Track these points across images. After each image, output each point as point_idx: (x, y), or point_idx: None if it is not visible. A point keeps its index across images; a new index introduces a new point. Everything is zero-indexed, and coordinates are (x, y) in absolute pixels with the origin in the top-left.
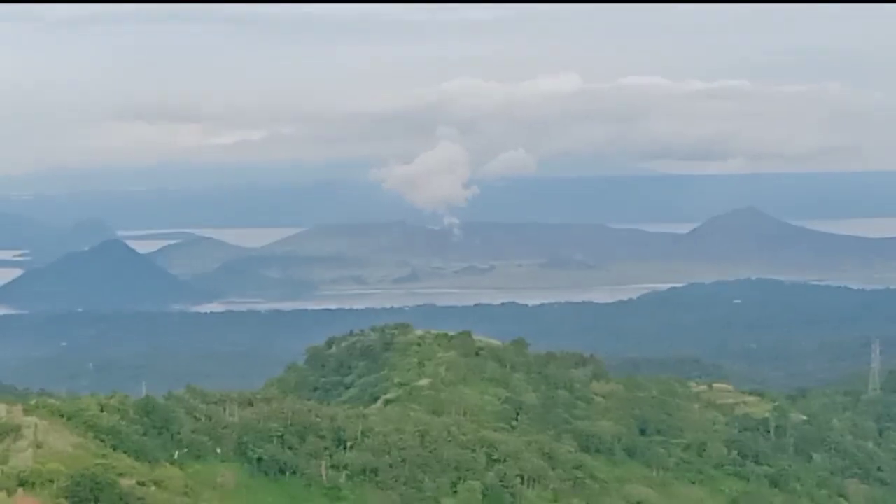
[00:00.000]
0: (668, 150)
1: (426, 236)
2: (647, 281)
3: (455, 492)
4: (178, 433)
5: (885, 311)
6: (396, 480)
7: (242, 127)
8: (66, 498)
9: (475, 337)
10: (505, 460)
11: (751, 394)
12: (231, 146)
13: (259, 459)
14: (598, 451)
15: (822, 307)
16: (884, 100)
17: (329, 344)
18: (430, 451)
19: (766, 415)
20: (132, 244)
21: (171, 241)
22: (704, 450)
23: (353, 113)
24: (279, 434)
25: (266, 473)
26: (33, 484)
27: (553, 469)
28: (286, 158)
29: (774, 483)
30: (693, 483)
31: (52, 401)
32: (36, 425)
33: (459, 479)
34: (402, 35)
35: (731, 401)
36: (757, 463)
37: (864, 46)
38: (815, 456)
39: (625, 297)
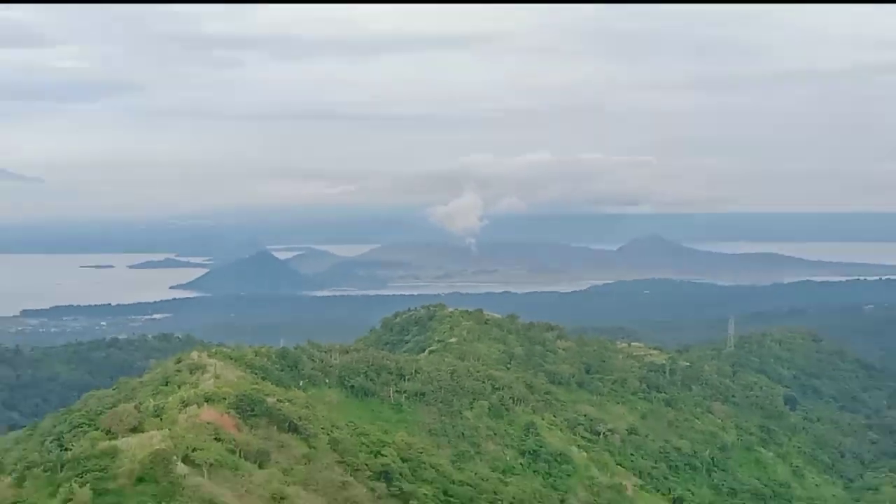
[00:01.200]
0: (606, 198)
1: (456, 251)
2: (592, 280)
3: (472, 408)
4: (302, 370)
5: (739, 299)
6: (436, 400)
7: (345, 182)
8: (235, 409)
9: (485, 313)
10: (502, 388)
11: (655, 349)
12: (338, 193)
13: (352, 386)
14: (559, 383)
15: (701, 297)
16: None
17: (395, 316)
18: (456, 382)
19: (664, 362)
20: (276, 254)
21: (299, 252)
22: (625, 383)
23: (414, 173)
24: (364, 371)
25: (356, 396)
26: (213, 400)
27: (532, 394)
28: (372, 201)
29: (669, 404)
30: (618, 403)
31: (225, 350)
32: (215, 365)
33: (475, 399)
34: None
35: (642, 353)
36: (658, 391)
37: None
38: (693, 387)
39: (579, 289)
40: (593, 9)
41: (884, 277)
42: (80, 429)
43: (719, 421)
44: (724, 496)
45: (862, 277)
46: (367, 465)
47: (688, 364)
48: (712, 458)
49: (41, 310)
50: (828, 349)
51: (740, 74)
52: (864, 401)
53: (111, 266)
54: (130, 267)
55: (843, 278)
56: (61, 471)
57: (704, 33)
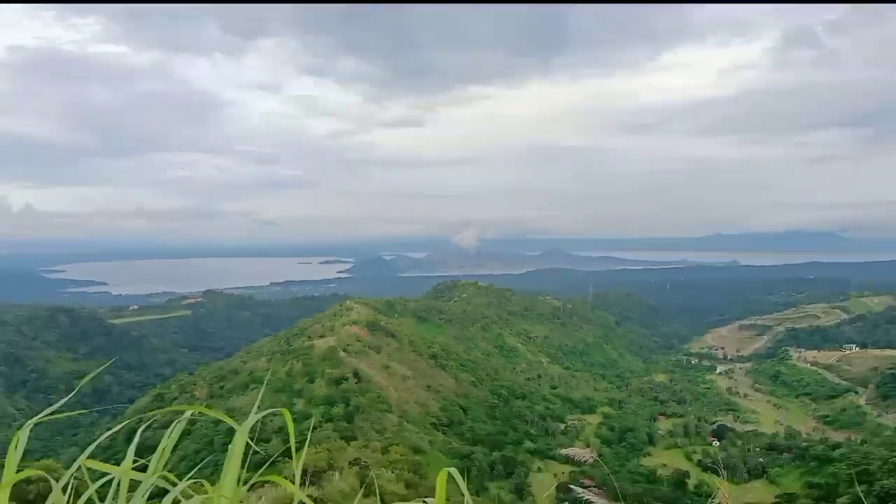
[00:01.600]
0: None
1: (466, 255)
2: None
3: (472, 327)
4: (395, 308)
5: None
6: (456, 323)
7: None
8: (366, 326)
9: (479, 284)
10: (487, 317)
11: (557, 299)
12: (418, 228)
13: (418, 316)
14: (512, 314)
15: (576, 280)
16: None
17: (438, 285)
18: (465, 315)
19: (559, 305)
20: (384, 256)
21: (393, 257)
22: (542, 315)
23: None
24: (424, 309)
25: (420, 320)
26: (356, 323)
27: (500, 320)
28: (439, 231)
29: (563, 324)
30: (539, 324)
31: (361, 300)
32: (356, 307)
33: (474, 322)
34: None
35: (551, 302)
36: (557, 319)
37: None
38: (574, 317)
39: (522, 272)
40: None
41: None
42: (296, 336)
43: (586, 332)
44: (587, 366)
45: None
46: (425, 351)
47: (571, 307)
48: (581, 349)
49: (282, 281)
50: (633, 300)
51: None
52: (653, 325)
53: (309, 263)
54: (320, 263)
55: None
56: (287, 355)
57: None
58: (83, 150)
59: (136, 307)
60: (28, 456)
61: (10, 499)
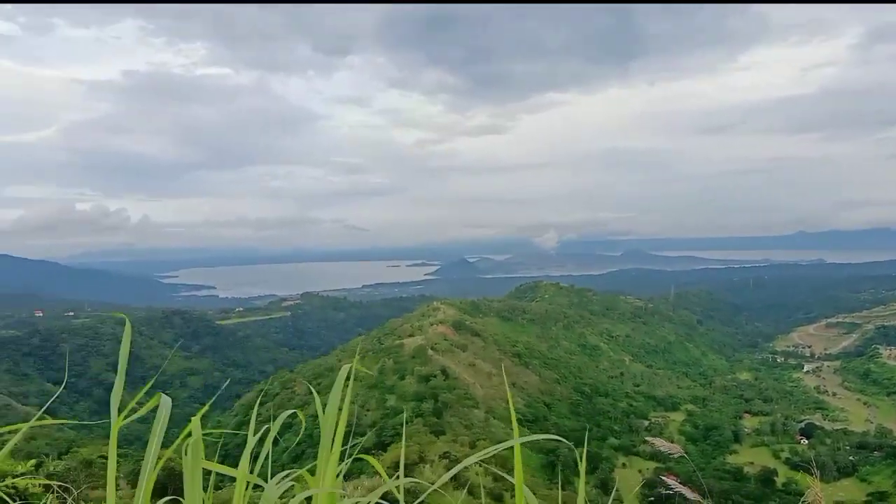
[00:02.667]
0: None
1: (547, 256)
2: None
3: (555, 326)
4: (481, 309)
5: (676, 278)
6: (538, 322)
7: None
8: (452, 326)
9: (560, 284)
10: (568, 317)
11: (638, 299)
12: (495, 232)
13: (502, 316)
14: (594, 314)
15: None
16: None
17: (520, 286)
18: (547, 315)
19: (642, 304)
20: (469, 259)
21: (476, 259)
22: (623, 314)
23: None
24: (507, 309)
25: (504, 320)
26: (443, 322)
27: (581, 319)
28: (517, 234)
29: (644, 323)
30: (621, 324)
31: (447, 300)
32: (443, 307)
33: (556, 322)
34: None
35: (632, 302)
36: (638, 318)
37: None
38: (655, 316)
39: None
40: None
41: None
42: (387, 335)
43: (668, 331)
44: (670, 364)
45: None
46: (509, 350)
47: (652, 306)
48: (664, 347)
49: (373, 283)
50: (716, 299)
51: None
52: (736, 324)
53: (397, 266)
54: (408, 266)
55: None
56: (379, 353)
57: None
58: (191, 164)
59: (240, 309)
60: (145, 448)
61: (132, 486)
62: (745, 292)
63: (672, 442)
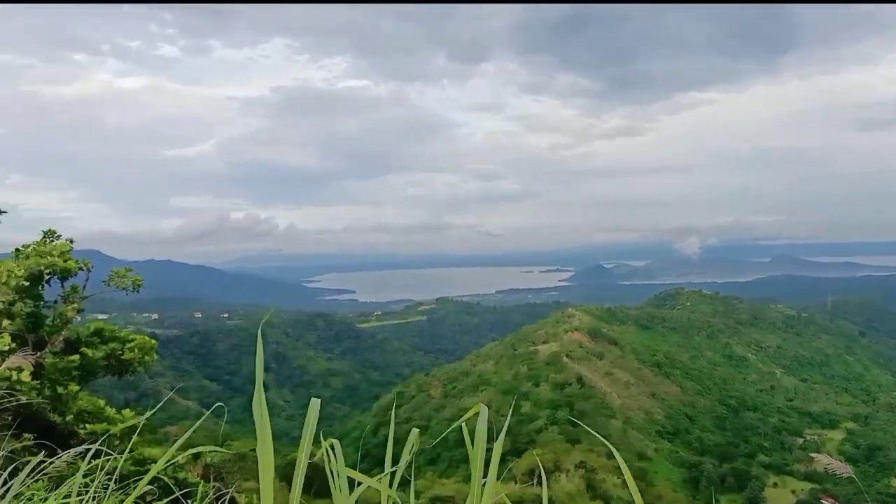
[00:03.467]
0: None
1: (687, 261)
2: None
3: (698, 335)
4: (617, 316)
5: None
6: (680, 331)
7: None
8: (587, 333)
9: (702, 292)
10: (712, 326)
11: (790, 307)
12: (636, 236)
13: (640, 324)
14: (740, 323)
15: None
16: None
17: (660, 293)
18: (689, 323)
19: (794, 314)
20: (605, 265)
21: (614, 265)
22: (774, 323)
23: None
24: (645, 317)
25: (642, 328)
26: (578, 329)
27: (727, 328)
28: (655, 238)
29: (797, 333)
30: (770, 333)
31: (582, 307)
32: (578, 314)
33: (699, 330)
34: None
35: (783, 310)
36: (791, 328)
37: None
38: (810, 326)
39: (750, 280)
40: None
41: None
42: (521, 341)
43: (825, 342)
44: (827, 378)
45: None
46: (648, 359)
47: (806, 315)
48: (820, 360)
49: (507, 289)
50: (880, 308)
51: None
52: None
53: (531, 272)
54: (542, 272)
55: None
56: (513, 359)
57: None
58: (333, 174)
59: (379, 313)
60: (291, 443)
61: (280, 479)
62: None
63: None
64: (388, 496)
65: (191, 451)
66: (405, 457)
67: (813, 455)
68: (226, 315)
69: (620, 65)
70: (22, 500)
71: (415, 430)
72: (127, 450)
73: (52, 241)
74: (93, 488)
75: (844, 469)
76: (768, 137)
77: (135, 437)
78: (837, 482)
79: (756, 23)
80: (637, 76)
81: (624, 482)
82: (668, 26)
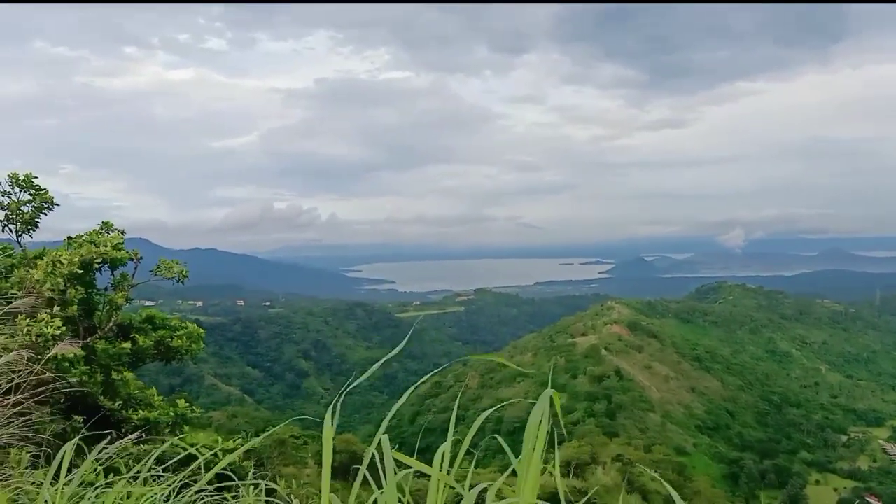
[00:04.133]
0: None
1: (731, 254)
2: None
3: (741, 329)
4: (657, 309)
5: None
6: (722, 325)
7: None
8: (627, 326)
9: (748, 286)
10: (756, 320)
11: (837, 303)
12: (676, 231)
13: (681, 318)
14: (784, 318)
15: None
16: None
17: (702, 286)
18: (732, 317)
19: (841, 310)
20: (646, 258)
21: (655, 258)
22: (819, 319)
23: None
24: (686, 311)
25: (683, 321)
26: (617, 322)
27: (771, 322)
28: (697, 233)
29: (844, 329)
30: (816, 329)
31: (621, 299)
32: (617, 307)
33: (742, 325)
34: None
35: (829, 305)
36: (837, 324)
37: None
38: (857, 322)
39: (793, 274)
40: None
41: None
42: (559, 333)
43: (872, 338)
44: (874, 375)
45: None
46: (688, 353)
47: (854, 311)
48: (867, 357)
49: (545, 281)
50: None
51: None
52: None
53: (570, 264)
54: (581, 264)
55: None
56: (551, 351)
57: None
58: (374, 165)
59: (417, 303)
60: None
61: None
62: None
63: (874, 461)
64: (442, 482)
65: (250, 443)
66: (465, 444)
67: (882, 443)
68: (268, 303)
69: (665, 54)
70: (86, 487)
71: (483, 415)
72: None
73: (108, 232)
74: (142, 475)
75: None
76: (817, 128)
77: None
78: (882, 481)
79: (807, 11)
80: (681, 66)
81: (662, 476)
82: (714, 15)
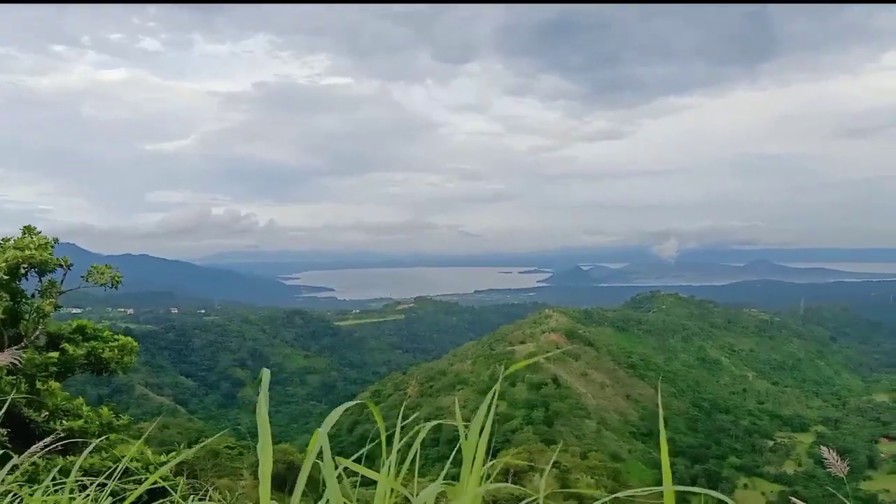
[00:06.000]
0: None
1: (664, 264)
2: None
3: (672, 338)
4: (593, 318)
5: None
6: (655, 333)
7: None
8: (564, 334)
9: (678, 294)
10: (687, 329)
11: (763, 311)
12: (614, 240)
13: (616, 326)
14: (714, 326)
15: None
16: None
17: (637, 295)
18: (665, 326)
19: (768, 318)
20: (582, 266)
21: (590, 267)
22: (746, 328)
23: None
24: (621, 319)
25: (618, 330)
26: (554, 330)
27: (701, 331)
28: (633, 243)
29: (770, 338)
30: (744, 337)
31: (558, 308)
32: (554, 314)
33: (674, 333)
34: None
35: (756, 314)
36: (764, 332)
37: None
38: (782, 331)
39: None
40: None
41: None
42: (498, 341)
43: (797, 347)
44: (798, 382)
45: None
46: (623, 361)
47: (779, 320)
48: (792, 364)
49: (485, 289)
50: (851, 314)
51: None
52: (874, 342)
53: (509, 272)
54: (520, 273)
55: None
56: (490, 359)
57: None
58: (314, 171)
59: (357, 311)
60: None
61: (254, 477)
62: (884, 308)
63: (800, 465)
64: (391, 488)
65: (183, 454)
66: (413, 451)
67: (821, 447)
68: (203, 311)
69: (606, 68)
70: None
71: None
72: (100, 447)
73: (31, 237)
74: (67, 486)
75: (842, 467)
76: (747, 143)
77: (112, 436)
78: (807, 485)
79: (741, 29)
80: (621, 80)
81: (598, 482)
82: (655, 31)
